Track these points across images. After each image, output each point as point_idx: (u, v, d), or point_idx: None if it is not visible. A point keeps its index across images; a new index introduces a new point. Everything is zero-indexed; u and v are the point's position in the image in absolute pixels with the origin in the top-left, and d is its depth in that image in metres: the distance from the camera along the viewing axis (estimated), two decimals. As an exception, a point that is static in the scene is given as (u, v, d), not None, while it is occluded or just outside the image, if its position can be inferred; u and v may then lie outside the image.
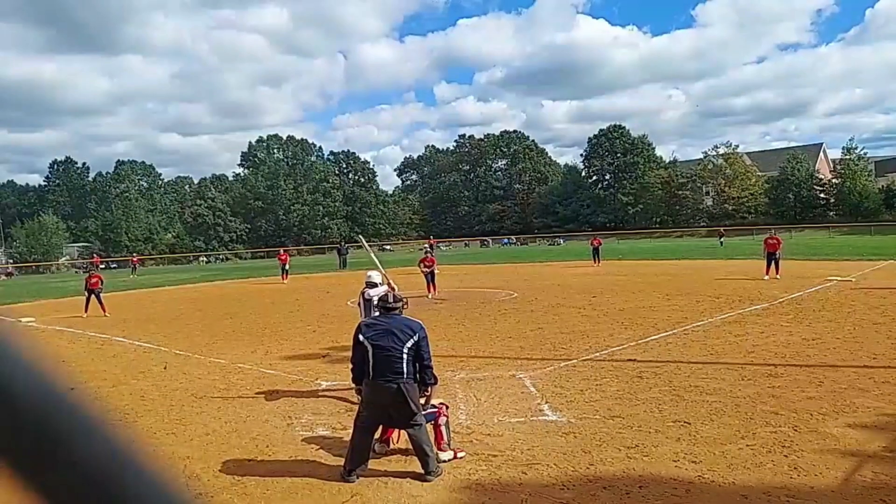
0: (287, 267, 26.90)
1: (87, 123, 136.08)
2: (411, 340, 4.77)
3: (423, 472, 4.65)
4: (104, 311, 16.19)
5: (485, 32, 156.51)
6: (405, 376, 4.69)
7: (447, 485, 4.54)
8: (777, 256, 17.68)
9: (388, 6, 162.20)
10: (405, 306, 5.32)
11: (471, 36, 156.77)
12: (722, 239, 43.47)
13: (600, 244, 27.69)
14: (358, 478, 4.66)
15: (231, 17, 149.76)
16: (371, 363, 4.73)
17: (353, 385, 5.21)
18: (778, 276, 17.17)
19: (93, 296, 16.43)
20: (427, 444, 4.70)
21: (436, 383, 5.05)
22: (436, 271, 17.98)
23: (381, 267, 7.69)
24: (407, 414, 4.71)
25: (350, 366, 5.11)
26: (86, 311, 16.25)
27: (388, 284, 7.17)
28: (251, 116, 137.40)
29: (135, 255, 55.08)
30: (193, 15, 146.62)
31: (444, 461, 4.85)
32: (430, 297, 16.91)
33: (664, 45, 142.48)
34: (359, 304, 7.50)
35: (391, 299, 5.11)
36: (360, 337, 4.86)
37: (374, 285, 7.22)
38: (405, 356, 4.71)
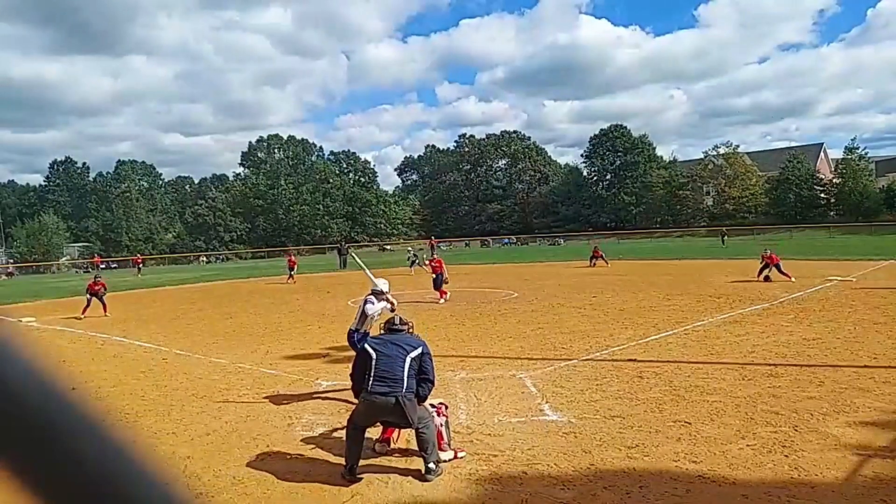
0: (293, 271, 26.80)
1: (91, 123, 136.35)
2: (415, 352, 4.85)
3: (423, 471, 4.66)
4: (105, 310, 16.14)
5: (487, 32, 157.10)
6: (405, 388, 4.69)
7: (447, 485, 4.53)
8: (773, 268, 17.41)
9: (392, 7, 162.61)
10: (411, 329, 5.32)
11: (473, 36, 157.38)
12: (724, 238, 43.11)
13: (601, 255, 27.38)
14: (359, 476, 4.67)
15: (235, 18, 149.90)
16: (373, 370, 4.74)
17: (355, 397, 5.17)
18: (793, 280, 16.48)
19: (94, 298, 16.25)
20: (432, 444, 4.69)
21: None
22: (441, 275, 16.58)
23: (376, 282, 7.46)
24: (406, 424, 4.75)
25: (350, 382, 5.12)
26: (83, 312, 16.01)
27: (389, 300, 7.12)
28: (254, 116, 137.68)
29: (138, 255, 54.82)
30: (197, 16, 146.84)
31: (445, 461, 4.85)
32: (441, 301, 15.79)
33: (666, 45, 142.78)
34: (360, 305, 7.41)
35: (398, 322, 5.15)
36: (367, 346, 4.93)
37: (381, 293, 7.16)
38: (407, 365, 4.76)
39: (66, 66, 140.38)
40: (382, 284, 7.28)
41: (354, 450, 4.73)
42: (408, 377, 4.73)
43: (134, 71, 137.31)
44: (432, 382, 4.95)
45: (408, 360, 4.76)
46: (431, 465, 4.64)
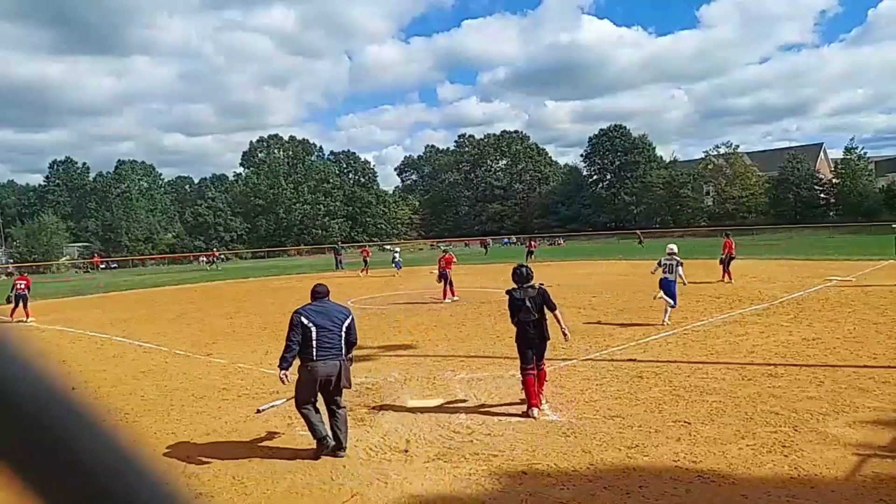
0: (368, 259, 28.89)
1: (93, 123, 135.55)
2: (346, 321, 5.40)
3: (336, 447, 5.09)
4: (27, 314, 15.61)
5: (489, 33, 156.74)
6: (343, 355, 5.32)
7: (447, 485, 4.54)
8: (727, 258, 17.74)
9: (395, 8, 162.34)
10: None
11: (475, 36, 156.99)
12: (641, 241, 44.10)
13: (535, 247, 27.91)
14: (331, 445, 5.06)
15: (238, 18, 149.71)
16: (315, 343, 5.18)
17: (279, 368, 5.40)
18: (731, 282, 17.04)
19: (20, 301, 15.59)
20: (346, 424, 5.28)
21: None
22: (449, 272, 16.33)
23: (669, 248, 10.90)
24: (341, 388, 5.27)
25: (287, 349, 5.31)
26: (11, 315, 15.39)
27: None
28: (256, 116, 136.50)
29: (214, 250, 53.87)
30: (200, 16, 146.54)
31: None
32: (448, 300, 15.67)
33: (668, 45, 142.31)
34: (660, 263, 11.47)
35: (322, 290, 5.60)
36: (304, 320, 5.28)
37: (673, 252, 11.16)
38: (343, 335, 5.33)
39: (68, 66, 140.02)
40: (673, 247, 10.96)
41: (316, 421, 5.14)
42: (344, 344, 5.34)
43: (136, 71, 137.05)
44: (356, 343, 5.56)
45: (343, 329, 5.33)
46: (345, 444, 5.16)
